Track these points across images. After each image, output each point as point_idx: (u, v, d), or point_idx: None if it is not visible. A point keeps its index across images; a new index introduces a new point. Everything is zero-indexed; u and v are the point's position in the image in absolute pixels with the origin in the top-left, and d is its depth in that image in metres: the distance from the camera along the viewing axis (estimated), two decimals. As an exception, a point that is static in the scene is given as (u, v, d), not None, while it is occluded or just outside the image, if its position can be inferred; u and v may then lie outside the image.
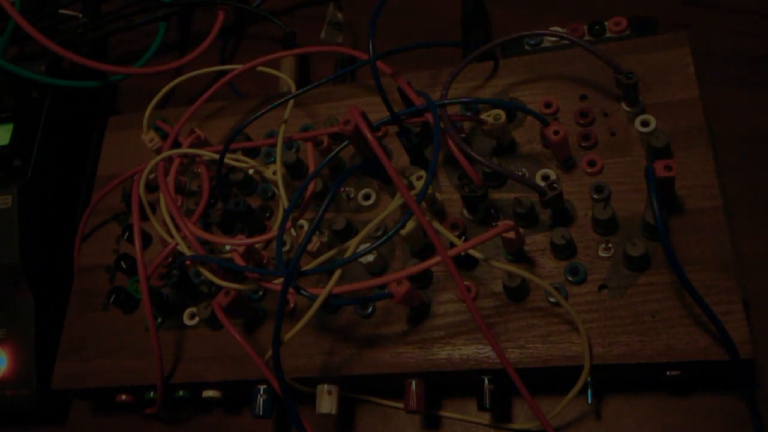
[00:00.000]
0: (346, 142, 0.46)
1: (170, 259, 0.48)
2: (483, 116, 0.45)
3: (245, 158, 0.50)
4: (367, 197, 0.48)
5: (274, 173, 0.47)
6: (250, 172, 0.50)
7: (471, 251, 0.42)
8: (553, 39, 0.51)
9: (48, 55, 0.58)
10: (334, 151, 0.46)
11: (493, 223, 0.45)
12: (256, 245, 0.46)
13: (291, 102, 0.50)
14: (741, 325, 0.38)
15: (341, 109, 0.52)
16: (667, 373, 0.40)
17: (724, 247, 0.40)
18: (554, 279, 0.42)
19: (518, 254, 0.43)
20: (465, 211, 0.45)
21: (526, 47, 0.52)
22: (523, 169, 0.46)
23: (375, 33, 0.42)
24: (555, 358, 0.40)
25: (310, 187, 0.47)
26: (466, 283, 0.43)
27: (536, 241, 0.43)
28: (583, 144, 0.45)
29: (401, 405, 0.44)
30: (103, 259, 0.52)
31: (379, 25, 0.42)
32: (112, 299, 0.48)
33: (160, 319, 0.48)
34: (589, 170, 0.44)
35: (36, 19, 0.60)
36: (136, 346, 0.48)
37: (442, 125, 0.43)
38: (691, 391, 0.42)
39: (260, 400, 0.45)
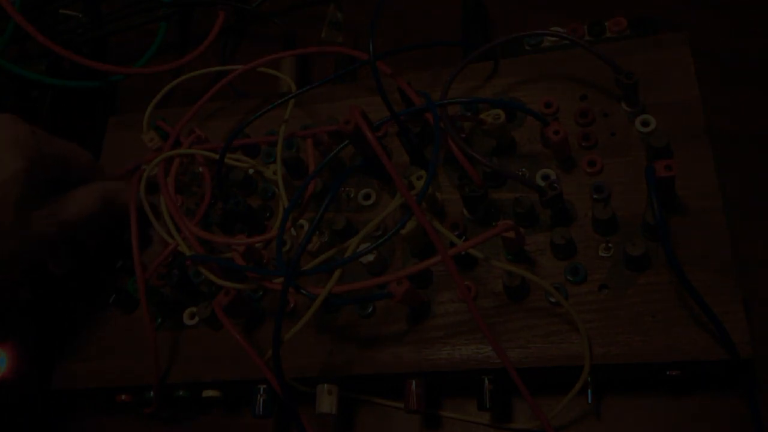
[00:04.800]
0: (346, 142, 0.46)
1: (170, 259, 0.48)
2: (482, 116, 0.45)
3: (245, 158, 0.50)
4: (367, 197, 0.48)
5: (274, 173, 0.47)
6: (250, 172, 0.50)
7: (471, 251, 0.42)
8: (553, 39, 0.51)
9: (48, 55, 0.58)
10: (334, 151, 0.46)
11: (493, 223, 0.45)
12: (256, 245, 0.46)
13: (291, 102, 0.50)
14: (741, 325, 0.38)
15: (341, 109, 0.52)
16: (667, 373, 0.40)
17: (724, 247, 0.40)
18: (554, 279, 0.42)
19: (518, 254, 0.43)
20: (465, 211, 0.45)
21: (526, 47, 0.52)
22: (523, 169, 0.46)
23: (375, 33, 0.42)
24: (555, 358, 0.40)
25: (310, 187, 0.47)
26: (466, 283, 0.43)
27: (536, 241, 0.43)
28: (583, 144, 0.45)
29: (401, 405, 0.44)
30: (103, 259, 0.52)
31: (379, 25, 0.42)
32: (112, 299, 0.48)
33: (160, 320, 0.48)
34: (589, 170, 0.44)
35: (36, 19, 0.60)
36: (136, 346, 0.48)
37: (442, 125, 0.43)
38: (691, 391, 0.42)
39: (260, 400, 0.44)
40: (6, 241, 0.42)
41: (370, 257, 0.44)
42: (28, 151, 0.43)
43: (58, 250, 0.50)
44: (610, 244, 0.42)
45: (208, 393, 0.47)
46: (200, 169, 0.51)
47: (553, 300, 0.41)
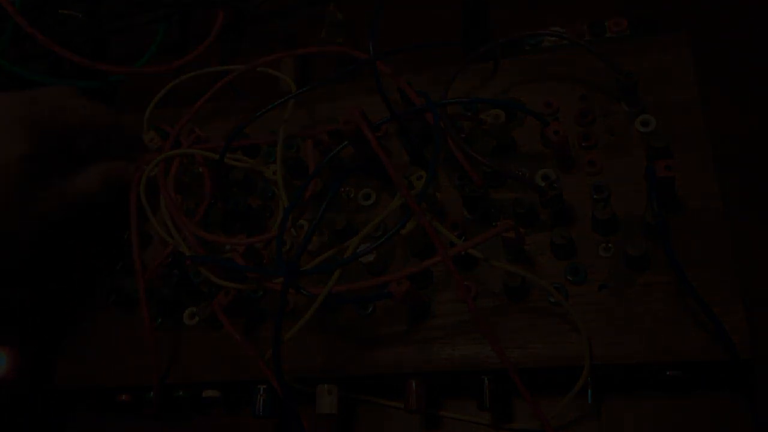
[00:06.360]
0: (345, 143, 0.46)
1: (170, 259, 0.48)
2: (482, 116, 0.45)
3: (245, 158, 0.50)
4: (367, 197, 0.48)
5: (274, 173, 0.47)
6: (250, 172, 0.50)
7: (471, 251, 0.42)
8: (553, 39, 0.51)
9: (48, 55, 0.58)
10: (334, 151, 0.46)
11: (493, 223, 0.45)
12: (256, 245, 0.46)
13: (291, 102, 0.50)
14: (741, 325, 0.38)
15: (341, 109, 0.52)
16: (667, 373, 0.40)
17: (724, 247, 0.40)
18: (554, 279, 0.42)
19: (518, 254, 0.43)
20: (465, 211, 0.45)
21: (526, 47, 0.52)
22: (523, 169, 0.45)
23: (375, 33, 0.42)
24: (555, 358, 0.40)
25: (310, 187, 0.47)
26: (466, 283, 0.43)
27: (536, 241, 0.43)
28: (583, 144, 0.45)
29: (401, 405, 0.44)
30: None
31: (379, 25, 0.42)
32: (111, 299, 0.48)
33: (160, 320, 0.48)
34: (589, 170, 0.44)
35: (36, 19, 0.60)
36: (136, 346, 0.48)
37: (442, 125, 0.43)
38: (691, 391, 0.42)
39: (260, 400, 0.45)
40: (7, 222, 0.44)
41: (370, 257, 0.44)
42: (32, 133, 0.44)
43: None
44: (610, 244, 0.42)
45: (208, 393, 0.47)
46: (200, 169, 0.51)
47: (553, 300, 0.41)
